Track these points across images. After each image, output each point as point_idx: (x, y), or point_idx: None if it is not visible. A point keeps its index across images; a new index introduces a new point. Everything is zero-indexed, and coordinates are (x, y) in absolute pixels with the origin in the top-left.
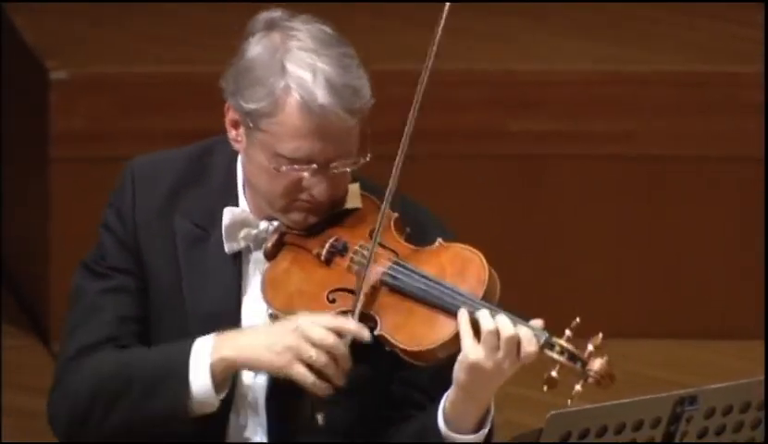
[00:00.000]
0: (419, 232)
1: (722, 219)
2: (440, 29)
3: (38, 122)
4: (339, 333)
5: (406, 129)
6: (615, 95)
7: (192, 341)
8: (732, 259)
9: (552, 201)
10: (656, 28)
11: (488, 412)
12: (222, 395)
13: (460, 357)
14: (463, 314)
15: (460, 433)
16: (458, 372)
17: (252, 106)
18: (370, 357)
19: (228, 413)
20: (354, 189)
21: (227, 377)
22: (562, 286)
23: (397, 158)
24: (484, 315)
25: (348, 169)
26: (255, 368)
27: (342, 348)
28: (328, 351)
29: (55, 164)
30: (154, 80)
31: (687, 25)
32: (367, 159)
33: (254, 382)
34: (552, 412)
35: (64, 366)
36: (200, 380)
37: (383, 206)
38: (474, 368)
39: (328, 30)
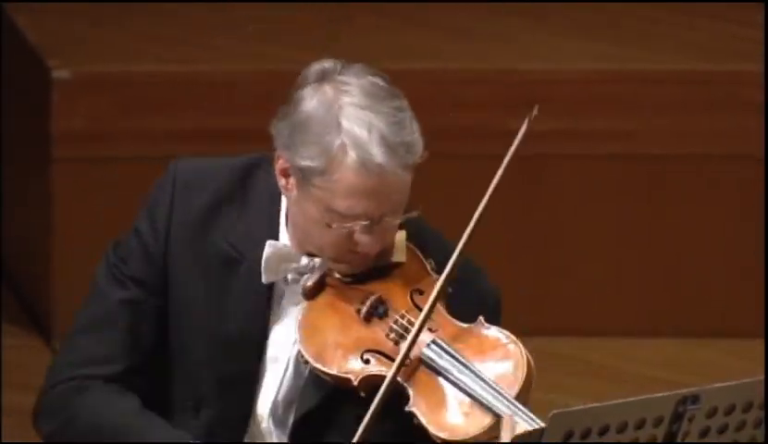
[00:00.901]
0: (462, 293)
1: (722, 218)
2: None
3: (39, 121)
4: None
5: (476, 215)
6: (616, 94)
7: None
8: (732, 258)
9: (553, 200)
10: (656, 27)
11: None
12: None
13: None
14: (508, 422)
15: None
16: None
17: (306, 163)
18: (398, 419)
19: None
20: (401, 241)
21: None
22: (562, 285)
23: (464, 236)
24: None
25: (397, 222)
26: None
27: None
28: None
29: (57, 163)
30: (155, 80)
31: (687, 24)
32: (418, 213)
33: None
34: (555, 411)
35: (68, 371)
36: None
37: (435, 289)
38: None
39: (380, 82)
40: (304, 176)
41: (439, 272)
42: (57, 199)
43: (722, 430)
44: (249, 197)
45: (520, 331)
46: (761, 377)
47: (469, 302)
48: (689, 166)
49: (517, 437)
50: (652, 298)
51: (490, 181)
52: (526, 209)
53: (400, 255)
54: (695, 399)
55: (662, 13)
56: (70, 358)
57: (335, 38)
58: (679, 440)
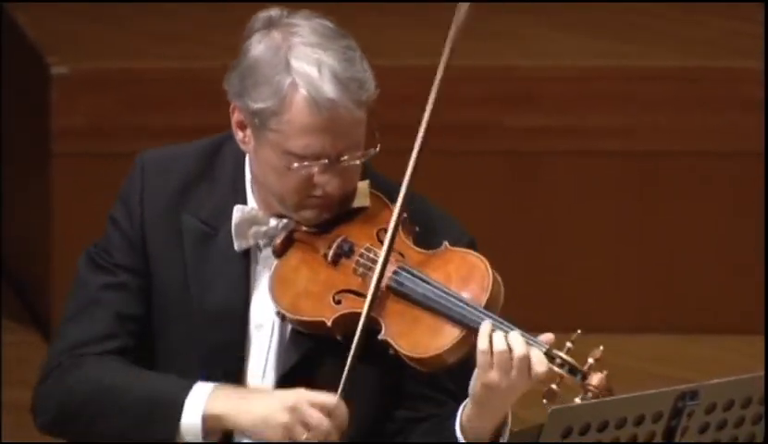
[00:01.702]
0: (428, 233)
1: (722, 214)
2: (456, 29)
3: (39, 118)
4: (332, 415)
5: (420, 134)
6: (613, 91)
7: (192, 384)
8: (730, 254)
9: (549, 196)
10: (655, 23)
11: (504, 423)
12: (212, 442)
13: (475, 374)
14: (485, 328)
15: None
16: (473, 388)
17: (259, 106)
18: (379, 360)
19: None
20: (364, 187)
21: (217, 430)
22: (558, 281)
23: (410, 162)
24: (499, 336)
25: (358, 162)
26: (246, 433)
27: (335, 435)
28: (321, 436)
29: (57, 159)
30: (155, 76)
31: (686, 21)
32: (377, 151)
33: None
34: (554, 407)
35: (59, 357)
36: (190, 425)
37: (395, 213)
38: (488, 387)
39: (328, 23)
40: (260, 121)
41: (408, 218)
42: (57, 195)
43: (721, 426)
44: (216, 173)
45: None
46: (761, 373)
47: (437, 240)
48: (688, 162)
49: (515, 434)
50: (649, 294)
51: (489, 178)
52: (523, 205)
53: (363, 200)
54: (694, 394)
55: (660, 9)
56: (59, 346)
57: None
58: (678, 436)
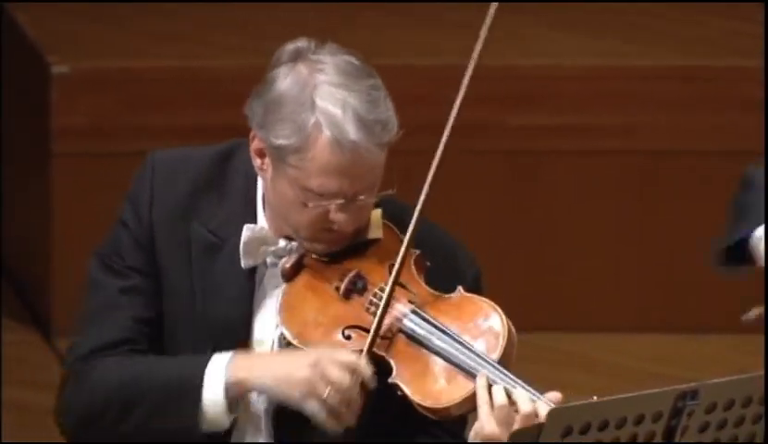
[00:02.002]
0: (436, 264)
1: (722, 214)
2: (485, 30)
3: (39, 117)
4: (354, 373)
5: (434, 163)
6: (615, 90)
7: (209, 358)
8: None
9: (549, 196)
10: (655, 23)
11: None
12: (235, 414)
13: (476, 426)
14: (481, 381)
15: None
16: (473, 438)
17: (281, 142)
18: (382, 394)
19: (231, 429)
20: (377, 218)
21: (240, 398)
22: (558, 281)
23: (422, 194)
24: (499, 390)
25: (372, 200)
26: (269, 395)
27: (356, 393)
28: (343, 393)
29: (57, 159)
30: (156, 76)
31: (686, 20)
32: (394, 191)
33: (258, 399)
34: (553, 406)
35: (78, 364)
36: (213, 398)
37: (401, 251)
38: (489, 439)
39: (354, 61)
40: (279, 155)
41: (416, 246)
42: (57, 194)
43: (721, 425)
44: (227, 183)
45: (518, 327)
46: (761, 372)
47: (448, 276)
48: (688, 162)
49: (515, 434)
50: (649, 293)
51: (489, 178)
52: (524, 205)
53: (376, 232)
54: (694, 394)
55: (661, 9)
56: (77, 352)
57: (335, 34)
58: (678, 435)
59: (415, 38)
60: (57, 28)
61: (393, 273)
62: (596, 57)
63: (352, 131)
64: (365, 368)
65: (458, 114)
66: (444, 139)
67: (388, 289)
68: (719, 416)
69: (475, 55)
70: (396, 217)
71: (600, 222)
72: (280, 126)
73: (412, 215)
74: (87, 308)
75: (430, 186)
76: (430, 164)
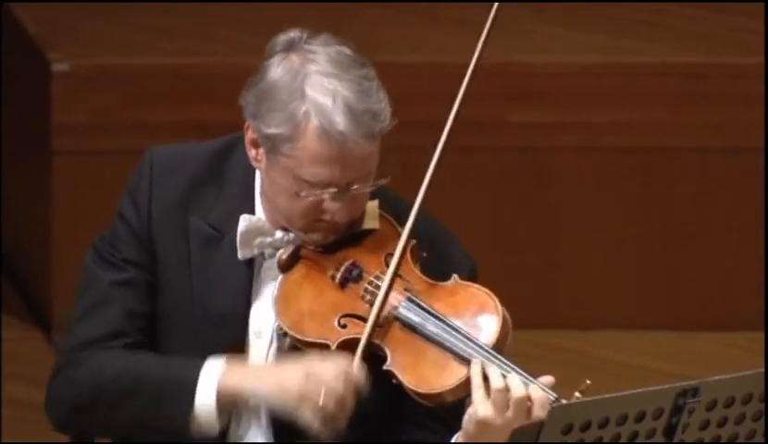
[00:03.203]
0: (432, 256)
1: (723, 210)
2: (487, 30)
3: (40, 114)
4: (348, 379)
5: (434, 157)
6: (616, 87)
7: (203, 361)
8: (733, 250)
9: (552, 192)
10: (657, 19)
11: None
12: (223, 422)
13: (469, 410)
14: (476, 367)
15: None
16: (467, 423)
17: (272, 131)
18: (379, 383)
19: (228, 427)
20: (373, 208)
21: (231, 406)
22: (561, 277)
23: (422, 186)
24: (495, 373)
25: (368, 190)
26: (262, 403)
27: (350, 399)
28: (337, 400)
29: (57, 156)
30: (156, 72)
31: (687, 16)
32: (387, 180)
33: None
34: (554, 404)
35: (69, 355)
36: (205, 402)
37: (401, 242)
38: (482, 423)
39: (347, 51)
40: (272, 144)
41: (412, 237)
42: (57, 191)
43: (721, 423)
44: (225, 176)
45: (519, 325)
46: (761, 370)
47: (444, 267)
48: (690, 158)
49: (515, 433)
50: (651, 291)
51: (492, 174)
52: (526, 201)
53: (372, 222)
54: (695, 391)
55: (662, 5)
56: (69, 344)
57: (334, 30)
58: (679, 432)
59: (414, 35)
60: (58, 25)
61: (393, 263)
62: (597, 54)
63: (340, 122)
64: (359, 374)
65: (458, 110)
66: (444, 135)
67: (387, 279)
68: (720, 414)
69: (475, 55)
70: (392, 210)
71: (601, 219)
72: (272, 115)
73: (408, 208)
74: (80, 299)
75: (430, 180)
76: (429, 160)
